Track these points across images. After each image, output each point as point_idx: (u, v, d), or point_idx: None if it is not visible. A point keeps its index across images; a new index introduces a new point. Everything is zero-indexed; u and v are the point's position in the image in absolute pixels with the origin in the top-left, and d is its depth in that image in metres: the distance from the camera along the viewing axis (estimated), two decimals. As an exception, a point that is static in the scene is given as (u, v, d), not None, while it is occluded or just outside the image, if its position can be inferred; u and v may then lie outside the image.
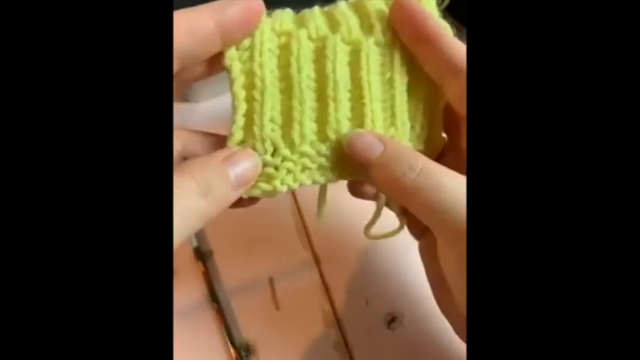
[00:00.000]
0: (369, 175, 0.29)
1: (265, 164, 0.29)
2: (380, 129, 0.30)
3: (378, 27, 0.30)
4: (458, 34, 0.30)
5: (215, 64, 0.30)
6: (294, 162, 0.29)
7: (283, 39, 0.30)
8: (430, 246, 0.29)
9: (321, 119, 0.29)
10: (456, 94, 0.29)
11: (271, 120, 0.29)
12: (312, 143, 0.29)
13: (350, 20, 0.30)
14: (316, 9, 0.31)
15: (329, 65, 0.29)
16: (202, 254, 0.41)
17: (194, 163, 0.26)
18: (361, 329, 0.40)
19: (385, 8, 0.31)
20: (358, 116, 0.30)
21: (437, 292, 0.33)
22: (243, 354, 0.38)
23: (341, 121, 0.29)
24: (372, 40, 0.30)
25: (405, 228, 0.34)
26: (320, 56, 0.30)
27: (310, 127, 0.29)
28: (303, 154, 0.29)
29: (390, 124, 0.30)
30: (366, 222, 0.35)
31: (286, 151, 0.29)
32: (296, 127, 0.29)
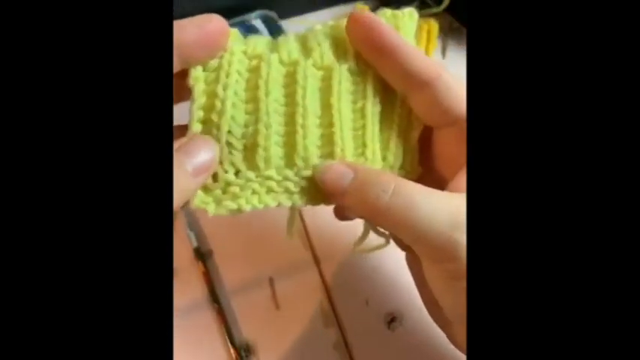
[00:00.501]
0: (343, 203, 0.28)
1: (229, 183, 0.28)
2: (350, 157, 0.29)
3: (351, 53, 0.30)
4: (458, 34, 0.30)
5: (180, 92, 0.29)
6: (259, 184, 0.28)
7: (254, 62, 0.29)
8: (416, 258, 0.29)
9: (289, 145, 0.29)
10: (421, 104, 0.29)
11: (228, 143, 0.28)
12: (278, 168, 0.28)
13: (323, 45, 0.30)
14: (291, 35, 0.31)
15: (299, 91, 0.29)
16: (202, 254, 0.41)
17: None
18: (361, 329, 0.40)
19: None
20: (327, 144, 0.29)
21: (427, 302, 0.33)
22: (243, 354, 0.38)
23: (309, 148, 0.28)
24: (345, 66, 0.29)
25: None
26: (291, 81, 0.29)
27: (276, 152, 0.28)
28: (267, 178, 0.28)
29: (361, 154, 0.29)
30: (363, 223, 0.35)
31: (250, 174, 0.28)
32: (260, 152, 0.28)
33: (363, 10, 0.31)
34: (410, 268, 0.35)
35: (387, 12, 0.31)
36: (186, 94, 0.29)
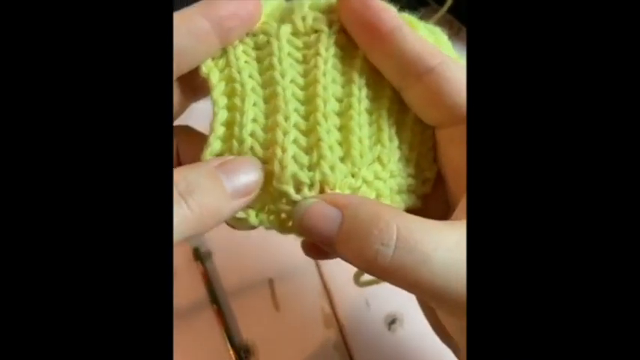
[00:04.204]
0: (335, 253, 0.23)
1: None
2: (365, 163, 0.25)
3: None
4: (458, 34, 0.30)
5: (190, 90, 0.27)
6: (272, 196, 0.25)
7: (261, 38, 0.26)
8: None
9: (310, 143, 0.25)
10: (419, 97, 0.25)
11: (252, 134, 0.25)
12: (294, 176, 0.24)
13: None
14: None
15: (320, 65, 0.25)
16: (201, 255, 0.41)
17: (182, 167, 0.23)
18: (361, 331, 0.40)
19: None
20: (345, 136, 0.25)
21: (431, 318, 0.31)
22: (242, 355, 0.38)
23: (335, 147, 0.25)
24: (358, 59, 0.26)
25: None
26: (310, 54, 0.25)
27: (297, 154, 0.24)
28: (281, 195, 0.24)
29: (376, 141, 0.26)
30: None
31: (267, 184, 0.24)
32: (278, 152, 0.24)
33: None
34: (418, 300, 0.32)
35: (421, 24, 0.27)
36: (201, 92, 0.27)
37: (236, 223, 0.25)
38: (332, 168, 0.24)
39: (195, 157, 0.25)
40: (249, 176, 0.23)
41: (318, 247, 0.25)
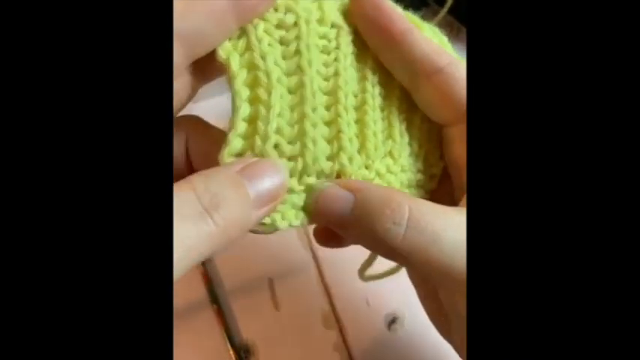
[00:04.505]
0: (345, 235, 0.24)
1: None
2: (379, 143, 0.26)
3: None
4: (458, 35, 0.30)
5: (201, 72, 0.25)
6: (299, 194, 0.24)
7: (289, 18, 0.24)
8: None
9: (333, 136, 0.24)
10: (429, 96, 0.25)
11: (277, 131, 0.23)
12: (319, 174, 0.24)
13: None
14: None
15: (341, 60, 0.25)
16: (202, 255, 0.41)
17: (200, 173, 0.21)
18: (361, 330, 0.40)
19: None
20: (361, 130, 0.25)
21: (432, 315, 0.31)
22: (242, 355, 0.38)
23: (354, 140, 0.25)
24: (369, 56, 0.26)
25: None
26: (331, 47, 0.25)
27: (323, 148, 0.24)
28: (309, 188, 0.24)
29: (388, 136, 0.26)
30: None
31: (293, 182, 0.24)
32: (309, 144, 0.23)
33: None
34: (412, 280, 0.33)
35: (426, 26, 0.27)
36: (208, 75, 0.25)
37: (261, 228, 0.24)
38: (350, 159, 0.24)
39: (207, 153, 0.24)
40: (274, 180, 0.22)
41: (330, 234, 0.26)
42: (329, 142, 0.24)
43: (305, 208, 0.24)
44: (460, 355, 0.30)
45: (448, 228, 0.22)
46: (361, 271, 0.34)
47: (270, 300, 0.40)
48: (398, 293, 0.41)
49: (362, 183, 0.24)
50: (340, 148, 0.24)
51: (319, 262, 0.42)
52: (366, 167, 0.26)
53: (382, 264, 0.35)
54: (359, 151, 0.25)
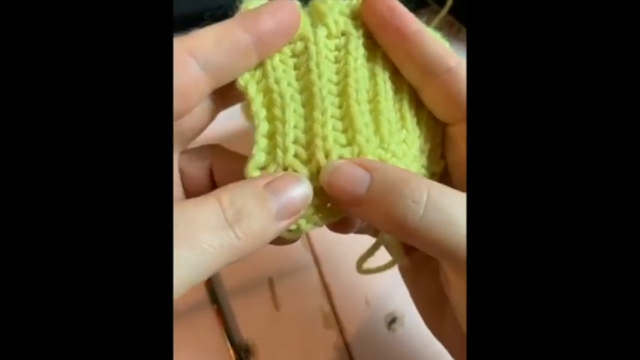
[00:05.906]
0: (359, 215, 0.24)
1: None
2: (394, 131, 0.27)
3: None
4: (458, 35, 0.30)
5: (220, 99, 0.27)
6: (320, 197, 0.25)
7: (299, 45, 0.27)
8: (415, 265, 0.26)
9: (347, 129, 0.26)
10: (437, 95, 0.26)
11: (295, 141, 0.25)
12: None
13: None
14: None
15: (351, 62, 0.26)
16: (202, 255, 0.41)
17: (226, 187, 0.23)
18: (361, 330, 0.40)
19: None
20: (375, 119, 0.26)
21: (425, 314, 0.31)
22: (242, 355, 0.38)
23: (368, 125, 0.26)
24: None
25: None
26: (341, 55, 0.27)
27: (337, 139, 0.25)
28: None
29: (401, 127, 0.27)
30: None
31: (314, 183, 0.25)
32: (318, 142, 0.25)
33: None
34: (403, 275, 0.33)
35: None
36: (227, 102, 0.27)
37: (288, 235, 0.25)
38: (367, 139, 0.25)
39: (231, 172, 0.26)
40: (297, 192, 0.23)
41: (341, 220, 0.26)
42: (344, 131, 0.26)
43: (319, 209, 0.25)
44: (452, 355, 0.30)
45: (463, 209, 0.22)
46: (359, 264, 0.34)
47: (270, 300, 0.40)
48: (398, 293, 0.41)
49: (377, 162, 0.24)
50: (356, 132, 0.25)
51: (319, 261, 0.42)
52: (383, 149, 0.26)
53: (380, 261, 0.36)
54: (374, 133, 0.26)
